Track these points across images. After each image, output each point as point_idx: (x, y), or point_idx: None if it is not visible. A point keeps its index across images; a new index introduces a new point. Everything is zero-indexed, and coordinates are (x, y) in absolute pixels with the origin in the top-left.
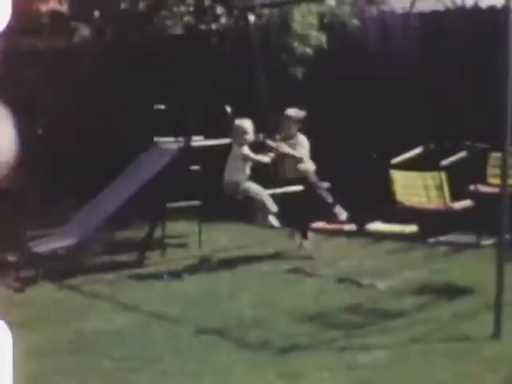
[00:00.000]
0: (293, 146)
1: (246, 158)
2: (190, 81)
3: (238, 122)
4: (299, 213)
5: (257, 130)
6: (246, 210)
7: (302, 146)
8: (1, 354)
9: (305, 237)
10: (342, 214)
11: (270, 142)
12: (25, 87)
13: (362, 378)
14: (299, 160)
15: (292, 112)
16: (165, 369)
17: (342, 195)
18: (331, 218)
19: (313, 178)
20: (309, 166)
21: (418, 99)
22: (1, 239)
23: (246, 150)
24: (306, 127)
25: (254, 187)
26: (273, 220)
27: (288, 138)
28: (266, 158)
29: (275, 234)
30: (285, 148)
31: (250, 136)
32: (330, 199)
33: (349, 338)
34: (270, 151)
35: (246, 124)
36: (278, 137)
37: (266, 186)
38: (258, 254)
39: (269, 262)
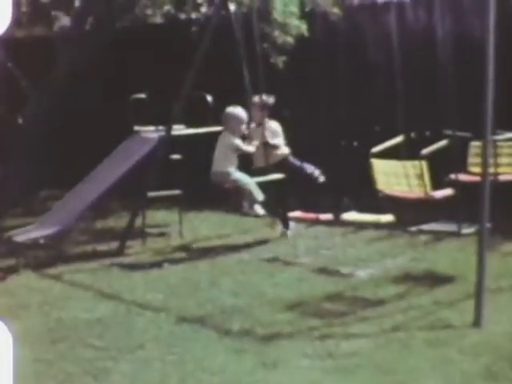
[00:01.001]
0: (220, 146)
1: (234, 148)
2: (170, 70)
3: (235, 110)
4: (280, 201)
5: None
6: (232, 199)
7: (274, 133)
8: (1, 353)
9: (286, 226)
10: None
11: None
12: (3, 76)
13: (342, 366)
14: (273, 147)
15: (259, 98)
16: (146, 357)
17: (323, 183)
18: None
19: (292, 162)
20: (285, 151)
21: (399, 88)
22: None
23: (238, 140)
24: (286, 116)
25: (242, 177)
26: (259, 209)
27: (258, 125)
28: (252, 148)
29: (256, 223)
30: (256, 135)
31: (241, 125)
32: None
33: (329, 326)
34: (245, 139)
35: (242, 113)
36: (252, 125)
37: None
38: (238, 242)
39: (250, 251)
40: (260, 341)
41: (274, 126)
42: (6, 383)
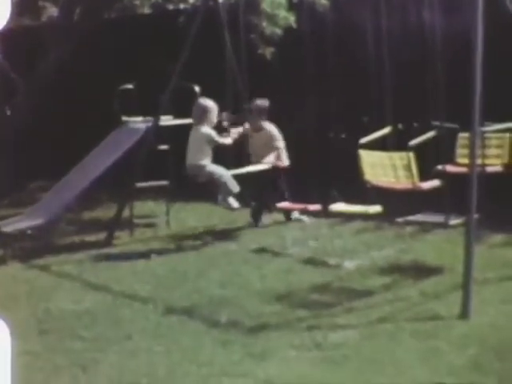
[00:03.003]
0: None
1: (209, 140)
2: (158, 60)
3: (201, 101)
4: (260, 192)
5: (224, 110)
6: (210, 192)
7: (274, 137)
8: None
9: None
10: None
11: (225, 124)
12: None
13: (329, 357)
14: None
15: (255, 103)
16: (134, 348)
17: (310, 175)
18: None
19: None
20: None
21: (386, 79)
22: None
23: (209, 130)
24: (273, 108)
25: (217, 169)
26: (233, 201)
27: (256, 131)
28: (228, 140)
29: (243, 214)
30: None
31: (214, 117)
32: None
33: (317, 317)
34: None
35: (210, 103)
36: (224, 115)
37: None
38: (226, 233)
39: (237, 242)
40: (247, 332)
41: (273, 130)
42: (4, 379)
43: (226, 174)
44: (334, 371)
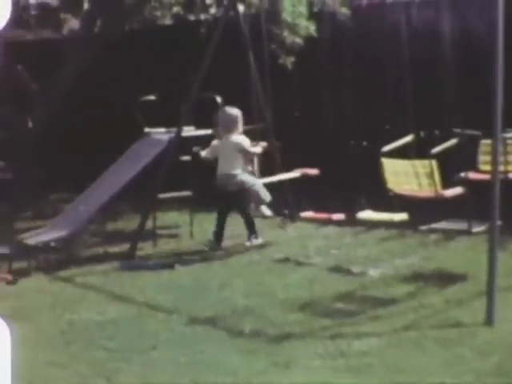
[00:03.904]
0: (225, 148)
1: (240, 149)
2: (179, 71)
3: (228, 109)
4: (288, 201)
5: (248, 120)
6: (239, 201)
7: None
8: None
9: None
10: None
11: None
12: (14, 79)
13: (354, 366)
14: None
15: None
16: (158, 358)
17: (333, 184)
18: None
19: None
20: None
21: (408, 87)
22: None
23: (239, 139)
24: (296, 116)
25: (249, 178)
26: (266, 210)
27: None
28: (258, 149)
29: (267, 223)
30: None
31: (241, 125)
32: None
33: (341, 325)
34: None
35: (236, 112)
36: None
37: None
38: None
39: (261, 252)
40: (272, 341)
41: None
42: (4, 378)
43: (257, 182)
44: (358, 379)
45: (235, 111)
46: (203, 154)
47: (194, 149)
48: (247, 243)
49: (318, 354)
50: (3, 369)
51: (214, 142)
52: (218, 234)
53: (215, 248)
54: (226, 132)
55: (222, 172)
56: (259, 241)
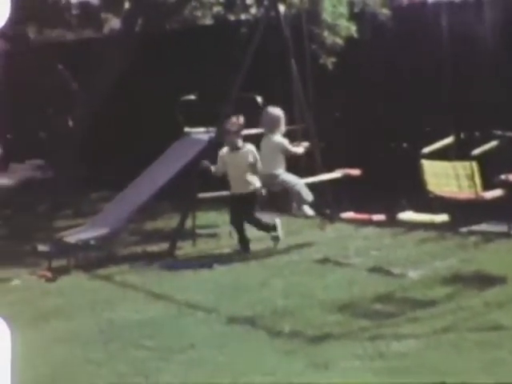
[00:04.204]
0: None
1: (282, 149)
2: (220, 71)
3: (271, 109)
4: (328, 202)
5: (289, 120)
6: (281, 201)
7: (248, 160)
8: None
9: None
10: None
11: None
12: (54, 78)
13: (393, 367)
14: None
15: (231, 122)
16: (197, 358)
17: (373, 185)
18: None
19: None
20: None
21: (448, 88)
22: (33, 229)
23: (281, 139)
24: (337, 117)
25: (290, 178)
26: (308, 210)
27: (233, 150)
28: (300, 149)
29: (306, 224)
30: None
31: (283, 125)
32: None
33: (380, 327)
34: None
35: (279, 112)
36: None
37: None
38: (289, 243)
39: (300, 252)
40: (311, 342)
41: (248, 151)
42: (4, 378)
43: (299, 182)
44: (396, 381)
45: (277, 111)
46: (213, 169)
47: (205, 163)
48: (274, 235)
49: (356, 355)
50: (3, 369)
51: (222, 153)
52: (243, 240)
53: (246, 251)
54: (269, 132)
55: (264, 172)
56: (279, 233)
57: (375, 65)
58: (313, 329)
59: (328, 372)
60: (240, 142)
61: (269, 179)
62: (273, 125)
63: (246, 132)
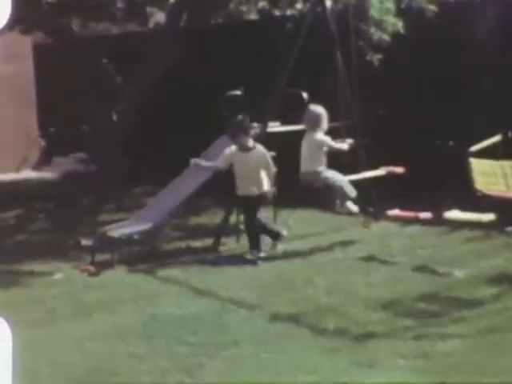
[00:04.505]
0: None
1: (323, 146)
2: (265, 66)
3: (313, 107)
4: (372, 199)
5: (334, 117)
6: (323, 198)
7: (259, 161)
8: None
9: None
10: None
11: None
12: (99, 73)
13: (437, 367)
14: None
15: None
16: (240, 354)
17: (418, 182)
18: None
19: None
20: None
21: (496, 86)
22: (77, 223)
23: (322, 136)
24: (382, 114)
25: (333, 174)
26: (352, 206)
27: (244, 151)
28: (344, 146)
29: (350, 221)
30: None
31: (325, 123)
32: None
33: (425, 326)
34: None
35: (321, 110)
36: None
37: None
38: (333, 240)
39: (344, 249)
40: (354, 340)
41: (259, 151)
42: (6, 377)
43: (342, 178)
44: (441, 381)
45: (319, 109)
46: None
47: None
48: (248, 256)
49: (400, 355)
50: (4, 369)
51: (227, 151)
52: (270, 232)
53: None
54: (310, 129)
55: (306, 170)
56: (262, 254)
57: (421, 61)
58: (357, 327)
59: (372, 371)
60: (251, 142)
61: (311, 176)
62: (314, 123)
63: (289, 128)
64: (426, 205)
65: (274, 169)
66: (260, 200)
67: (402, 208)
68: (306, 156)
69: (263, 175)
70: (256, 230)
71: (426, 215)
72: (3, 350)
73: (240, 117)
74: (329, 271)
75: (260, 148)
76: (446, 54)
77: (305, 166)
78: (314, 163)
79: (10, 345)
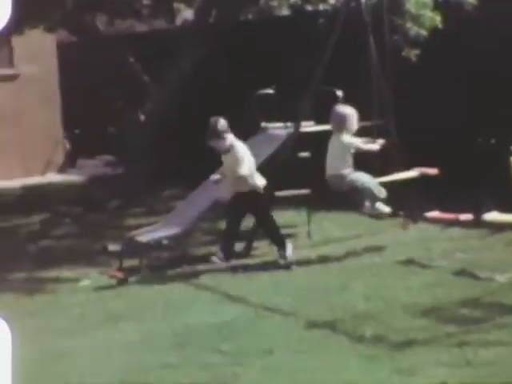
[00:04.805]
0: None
1: (350, 148)
2: (297, 64)
3: (339, 108)
4: (409, 201)
5: (368, 116)
6: (351, 200)
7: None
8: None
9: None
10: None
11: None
12: (125, 72)
13: (481, 376)
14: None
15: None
16: (275, 363)
17: (459, 183)
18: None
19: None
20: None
21: None
22: (104, 228)
23: (348, 139)
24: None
25: (359, 176)
26: (382, 206)
27: (222, 153)
28: (375, 146)
29: (388, 223)
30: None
31: (353, 124)
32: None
33: (467, 333)
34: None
35: (348, 111)
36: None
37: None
38: (370, 243)
39: (382, 253)
40: (394, 347)
41: (239, 150)
42: (6, 377)
43: (370, 180)
44: None
45: (346, 110)
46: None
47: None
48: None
49: (442, 363)
50: (4, 369)
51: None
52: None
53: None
54: (336, 131)
55: (332, 173)
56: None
57: (462, 56)
58: (396, 334)
59: (413, 379)
60: (227, 142)
61: (337, 180)
62: (340, 124)
63: (321, 128)
64: (466, 206)
65: (243, 171)
66: (256, 196)
67: (441, 209)
68: (331, 159)
69: (246, 172)
70: (274, 228)
71: (466, 217)
72: (3, 350)
73: (212, 120)
74: (366, 276)
75: (237, 146)
76: (486, 49)
77: (330, 169)
78: (339, 166)
79: (9, 345)
